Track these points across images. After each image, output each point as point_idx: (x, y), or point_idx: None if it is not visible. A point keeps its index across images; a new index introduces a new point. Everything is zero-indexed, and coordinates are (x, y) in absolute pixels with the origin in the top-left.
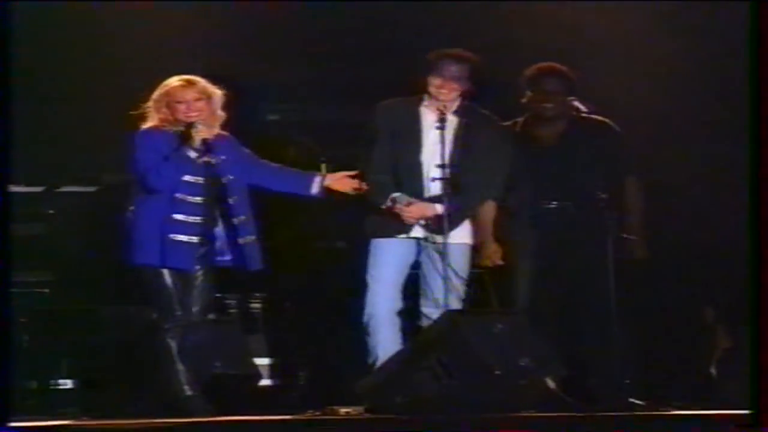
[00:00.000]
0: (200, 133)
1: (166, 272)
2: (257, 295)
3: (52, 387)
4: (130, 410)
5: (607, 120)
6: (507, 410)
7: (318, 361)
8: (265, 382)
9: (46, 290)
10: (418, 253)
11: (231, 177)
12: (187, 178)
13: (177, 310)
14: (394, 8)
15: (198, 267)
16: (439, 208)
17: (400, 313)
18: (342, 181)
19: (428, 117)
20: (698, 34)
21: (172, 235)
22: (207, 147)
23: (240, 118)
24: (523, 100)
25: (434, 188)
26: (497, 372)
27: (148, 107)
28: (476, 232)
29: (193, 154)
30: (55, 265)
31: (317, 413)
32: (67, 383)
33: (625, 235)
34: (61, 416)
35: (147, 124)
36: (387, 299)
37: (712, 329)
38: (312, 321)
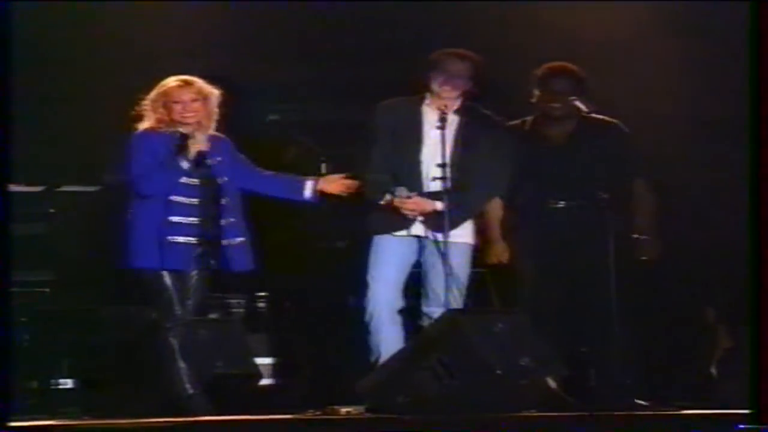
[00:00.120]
0: (197, 136)
1: (165, 274)
2: (257, 295)
3: (52, 387)
4: (131, 410)
5: (616, 121)
6: (507, 410)
7: (318, 361)
8: (265, 382)
9: (46, 290)
10: (420, 252)
11: (225, 178)
12: (183, 180)
13: (177, 309)
14: (394, 8)
15: (195, 267)
16: (438, 205)
17: (402, 313)
18: (335, 184)
19: (430, 116)
20: (698, 34)
21: (170, 237)
22: (203, 149)
23: (240, 118)
24: (533, 100)
25: (435, 187)
26: (498, 372)
27: (145, 107)
28: (479, 231)
29: (189, 157)
30: (55, 265)
31: (317, 413)
32: (67, 383)
33: (636, 236)
34: (61, 416)
35: (143, 126)
36: (388, 299)
37: (712, 329)
38: (312, 321)
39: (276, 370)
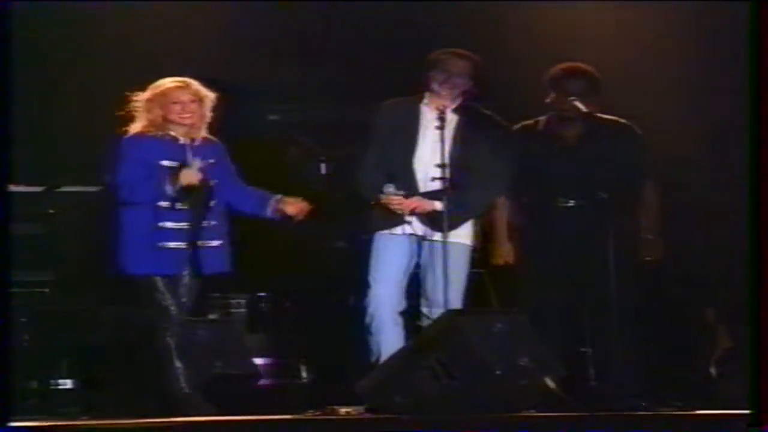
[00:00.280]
0: (190, 139)
1: (156, 278)
2: (257, 295)
3: (52, 387)
4: (130, 410)
5: (628, 122)
6: (507, 410)
7: (318, 361)
8: (265, 382)
9: (46, 290)
10: (419, 252)
11: (216, 181)
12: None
13: (170, 311)
14: (394, 8)
15: (182, 271)
16: (438, 204)
17: (402, 313)
18: (293, 206)
19: (428, 116)
20: (698, 34)
21: (161, 243)
22: (195, 151)
23: (240, 119)
24: (546, 100)
25: (434, 187)
26: (497, 372)
27: (138, 108)
28: (486, 230)
29: (179, 161)
30: (55, 265)
31: (317, 413)
32: (67, 383)
33: (643, 236)
34: (61, 416)
35: (133, 129)
36: (389, 299)
37: (712, 329)
38: (312, 321)
39: (275, 371)
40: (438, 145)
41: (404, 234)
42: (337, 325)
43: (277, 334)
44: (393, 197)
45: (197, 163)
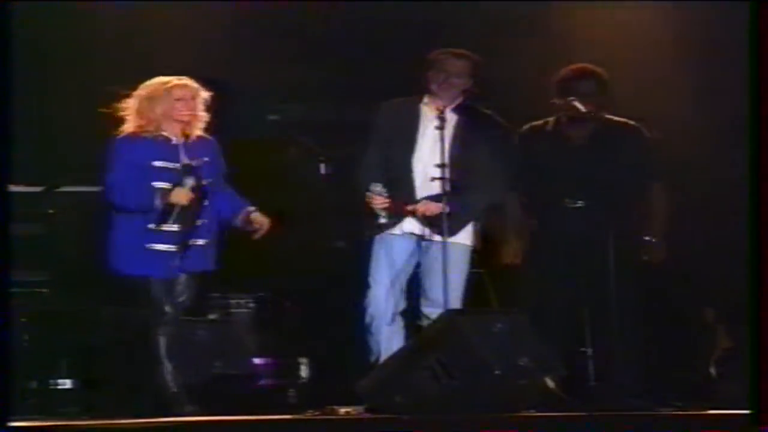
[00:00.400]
0: (185, 137)
1: (150, 279)
2: (257, 295)
3: (52, 387)
4: (129, 410)
5: (637, 124)
6: (507, 410)
7: (318, 361)
8: (265, 382)
9: (46, 290)
10: (419, 253)
11: (210, 180)
12: (160, 185)
13: (166, 310)
14: (394, 8)
15: (180, 271)
16: (434, 207)
17: (402, 313)
18: (260, 220)
19: (428, 115)
20: (698, 34)
21: (152, 245)
22: (188, 150)
23: (240, 118)
24: (556, 101)
25: (433, 187)
26: (497, 372)
27: (130, 108)
28: (479, 232)
29: (175, 161)
30: (55, 265)
31: (317, 413)
32: (67, 383)
33: (646, 238)
34: (61, 416)
35: (125, 130)
36: (388, 299)
37: (712, 329)
38: (312, 321)
39: (275, 371)
40: (437, 145)
41: (404, 234)
42: (337, 325)
43: (276, 334)
44: (376, 197)
45: (190, 182)
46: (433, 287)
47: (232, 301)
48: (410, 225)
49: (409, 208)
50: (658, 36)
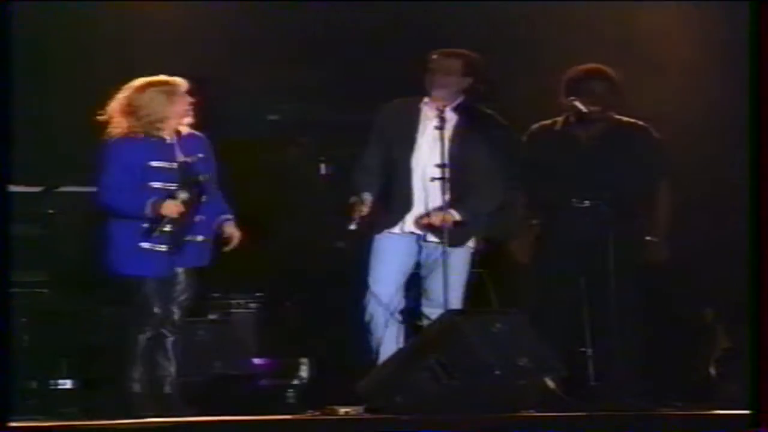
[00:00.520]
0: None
1: (146, 279)
2: (257, 295)
3: (51, 387)
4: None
5: (645, 124)
6: (507, 410)
7: (318, 361)
8: (265, 382)
9: (46, 290)
10: (419, 252)
11: (207, 176)
12: (159, 185)
13: (163, 309)
14: (395, 9)
15: (177, 267)
16: (458, 215)
17: (402, 313)
18: (231, 231)
19: (428, 115)
20: (697, 34)
21: (147, 245)
22: (182, 147)
23: (240, 118)
24: (565, 101)
25: (433, 188)
26: (497, 372)
27: (125, 108)
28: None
29: (171, 160)
30: (55, 265)
31: (317, 413)
32: (67, 383)
33: (649, 237)
34: (61, 416)
35: (118, 131)
36: (388, 299)
37: (712, 329)
38: (312, 321)
39: (275, 371)
40: (436, 145)
41: (404, 233)
42: (337, 325)
43: (276, 334)
44: (361, 205)
45: (183, 195)
46: (434, 287)
47: (232, 301)
48: (411, 224)
49: (423, 221)
50: (658, 36)
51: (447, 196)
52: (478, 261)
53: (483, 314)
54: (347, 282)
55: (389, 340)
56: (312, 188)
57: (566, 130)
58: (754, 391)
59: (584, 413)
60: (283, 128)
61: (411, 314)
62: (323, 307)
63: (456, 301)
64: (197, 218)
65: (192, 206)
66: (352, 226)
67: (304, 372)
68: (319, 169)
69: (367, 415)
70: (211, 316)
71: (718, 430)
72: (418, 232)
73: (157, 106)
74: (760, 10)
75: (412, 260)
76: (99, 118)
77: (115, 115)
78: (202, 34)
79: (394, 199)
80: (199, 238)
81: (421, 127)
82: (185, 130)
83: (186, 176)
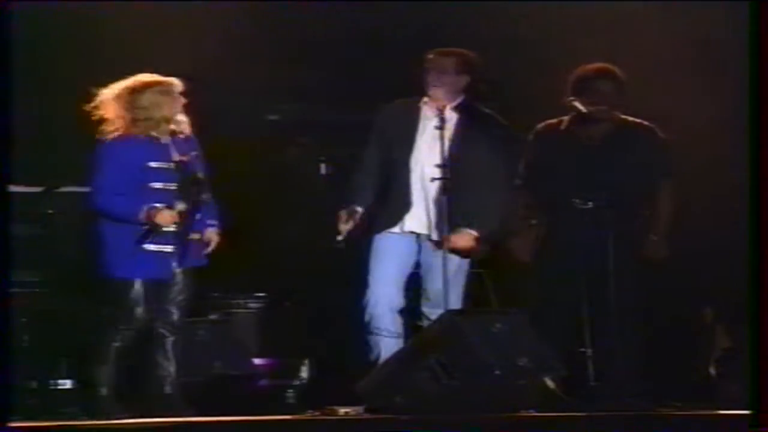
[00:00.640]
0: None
1: (146, 281)
2: (257, 295)
3: (51, 387)
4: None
5: (651, 124)
6: (507, 410)
7: (318, 361)
8: (265, 382)
9: (46, 290)
10: (419, 252)
11: (203, 174)
12: (159, 185)
13: (152, 312)
14: (395, 8)
15: (176, 271)
16: (476, 233)
17: (401, 313)
18: (211, 236)
19: (427, 115)
20: (697, 34)
21: (149, 246)
22: (177, 147)
23: (240, 118)
24: (570, 101)
25: (432, 188)
26: (497, 372)
27: (120, 108)
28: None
29: (168, 160)
30: (55, 265)
31: (317, 413)
32: (67, 383)
33: (651, 236)
34: (61, 416)
35: (112, 131)
36: (388, 299)
37: (712, 329)
38: (312, 321)
39: (275, 371)
40: (435, 145)
41: (404, 233)
42: (337, 325)
43: (276, 334)
44: (345, 218)
45: (180, 205)
46: (433, 287)
47: (232, 301)
48: (411, 224)
49: (448, 244)
50: (657, 36)
51: (446, 197)
52: (477, 261)
53: (483, 314)
54: (347, 282)
55: (389, 340)
56: (312, 188)
57: (571, 130)
58: (754, 391)
59: (584, 413)
60: (283, 128)
61: (411, 314)
62: (323, 307)
63: (455, 301)
64: (199, 217)
65: (191, 209)
66: (340, 238)
67: (304, 372)
68: (319, 169)
69: (367, 415)
70: (211, 316)
71: (718, 430)
72: (418, 231)
73: (153, 106)
74: (760, 10)
75: (412, 260)
76: (94, 117)
77: (111, 114)
78: (202, 34)
79: (394, 199)
80: (197, 237)
81: (420, 127)
82: (177, 129)
83: (185, 175)
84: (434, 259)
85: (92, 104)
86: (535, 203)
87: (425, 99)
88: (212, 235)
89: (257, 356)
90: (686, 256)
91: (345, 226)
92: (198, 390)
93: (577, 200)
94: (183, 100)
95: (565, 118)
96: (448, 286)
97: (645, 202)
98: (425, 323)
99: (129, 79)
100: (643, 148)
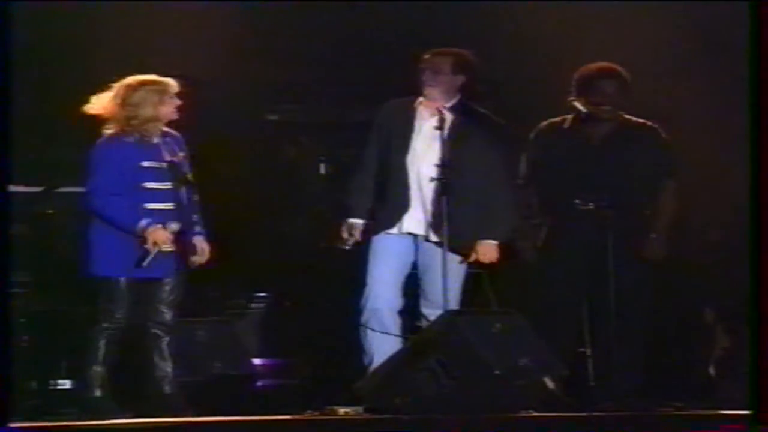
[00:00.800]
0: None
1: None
2: (257, 295)
3: (51, 387)
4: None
5: (653, 124)
6: (507, 410)
7: (318, 361)
8: (265, 382)
9: (46, 290)
10: (418, 252)
11: (191, 174)
12: (152, 185)
13: (160, 311)
14: (395, 8)
15: (173, 271)
16: (493, 253)
17: (400, 313)
18: (205, 246)
19: (423, 115)
20: (697, 34)
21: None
22: (167, 147)
23: (240, 118)
24: (574, 100)
25: (428, 188)
26: (497, 372)
27: (115, 108)
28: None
29: (160, 160)
30: (54, 265)
31: (317, 413)
32: (66, 383)
33: (652, 235)
34: (61, 416)
35: (109, 130)
36: (387, 299)
37: (712, 329)
38: (312, 321)
39: (275, 371)
40: (431, 145)
41: (402, 233)
42: (337, 326)
43: (277, 334)
44: (345, 231)
45: (174, 226)
46: (431, 287)
47: (232, 301)
48: (409, 225)
49: (471, 258)
50: (657, 36)
51: (445, 197)
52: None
53: (483, 314)
54: (347, 282)
55: (389, 340)
56: (312, 188)
57: (574, 129)
58: (754, 391)
59: (584, 413)
60: (283, 128)
61: (410, 314)
62: (323, 307)
63: (454, 302)
64: (195, 218)
65: (185, 206)
66: (347, 247)
67: (304, 372)
68: (319, 169)
69: (367, 415)
70: (211, 316)
71: (718, 430)
72: (416, 232)
73: (144, 104)
74: (760, 10)
75: (410, 260)
76: (92, 116)
77: (107, 112)
78: (202, 34)
79: (391, 200)
80: (200, 236)
81: (416, 128)
82: (166, 129)
83: (176, 175)
84: (432, 259)
85: (90, 103)
86: (538, 203)
87: (420, 99)
88: (202, 243)
89: (257, 356)
90: (686, 256)
91: (347, 240)
92: (198, 390)
93: (579, 201)
94: (177, 102)
95: (568, 117)
96: (447, 287)
97: (647, 202)
98: (425, 323)
99: (126, 78)
100: (646, 148)
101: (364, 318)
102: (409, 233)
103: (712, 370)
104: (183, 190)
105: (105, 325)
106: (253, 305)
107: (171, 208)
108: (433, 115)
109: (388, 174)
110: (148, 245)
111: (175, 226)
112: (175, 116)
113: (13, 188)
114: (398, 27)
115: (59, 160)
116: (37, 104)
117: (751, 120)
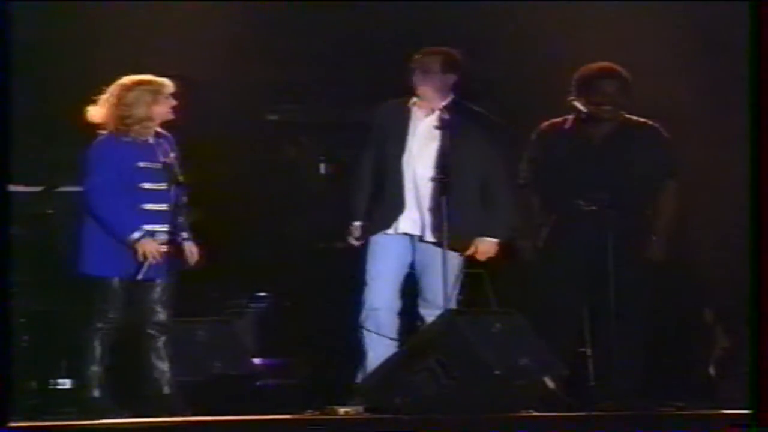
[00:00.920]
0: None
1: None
2: (257, 295)
3: (51, 387)
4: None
5: (655, 124)
6: (507, 410)
7: (318, 361)
8: (265, 382)
9: (46, 290)
10: (416, 252)
11: (182, 174)
12: (148, 186)
13: (158, 311)
14: (394, 8)
15: (165, 273)
16: (492, 248)
17: (399, 313)
18: (194, 249)
19: (417, 115)
20: (697, 34)
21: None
22: (160, 147)
23: (240, 118)
24: (575, 100)
25: (425, 189)
26: (497, 372)
27: (111, 108)
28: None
29: (155, 161)
30: (54, 265)
31: (317, 413)
32: (66, 383)
33: (653, 236)
34: (61, 416)
35: (105, 130)
36: (386, 299)
37: (712, 329)
38: (312, 321)
39: (275, 371)
40: (426, 145)
41: (397, 234)
42: (337, 325)
43: (276, 334)
44: (350, 233)
45: (163, 237)
46: (429, 288)
47: (232, 301)
48: (404, 225)
49: (469, 252)
50: (657, 36)
51: (445, 197)
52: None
53: (483, 314)
54: (346, 282)
55: (388, 340)
56: (311, 188)
57: (575, 129)
58: (754, 391)
59: (584, 413)
60: (283, 128)
61: (408, 315)
62: (323, 307)
63: (453, 302)
64: (182, 220)
65: (176, 207)
66: (356, 244)
67: (304, 372)
68: (319, 169)
69: (367, 415)
70: (211, 316)
71: (718, 430)
72: (411, 233)
73: (138, 104)
74: (760, 10)
75: (407, 260)
76: (90, 116)
77: (103, 112)
78: (202, 34)
79: (387, 200)
80: (185, 235)
81: (411, 128)
82: (159, 130)
83: (170, 176)
84: (430, 259)
85: (89, 103)
86: (539, 203)
87: (414, 99)
88: (191, 246)
89: (257, 356)
90: (686, 256)
91: (355, 241)
92: (198, 390)
93: (581, 202)
94: (173, 102)
95: (569, 117)
96: (446, 287)
97: (648, 202)
98: (423, 324)
99: (123, 78)
100: (647, 148)
101: (362, 318)
102: (405, 233)
103: (712, 370)
104: (174, 191)
105: (99, 325)
106: (253, 305)
107: (166, 209)
108: (427, 115)
109: (385, 174)
110: (139, 256)
111: (164, 236)
112: (170, 116)
113: (12, 188)
114: (398, 27)
115: (59, 160)
116: (37, 104)
117: (751, 120)
